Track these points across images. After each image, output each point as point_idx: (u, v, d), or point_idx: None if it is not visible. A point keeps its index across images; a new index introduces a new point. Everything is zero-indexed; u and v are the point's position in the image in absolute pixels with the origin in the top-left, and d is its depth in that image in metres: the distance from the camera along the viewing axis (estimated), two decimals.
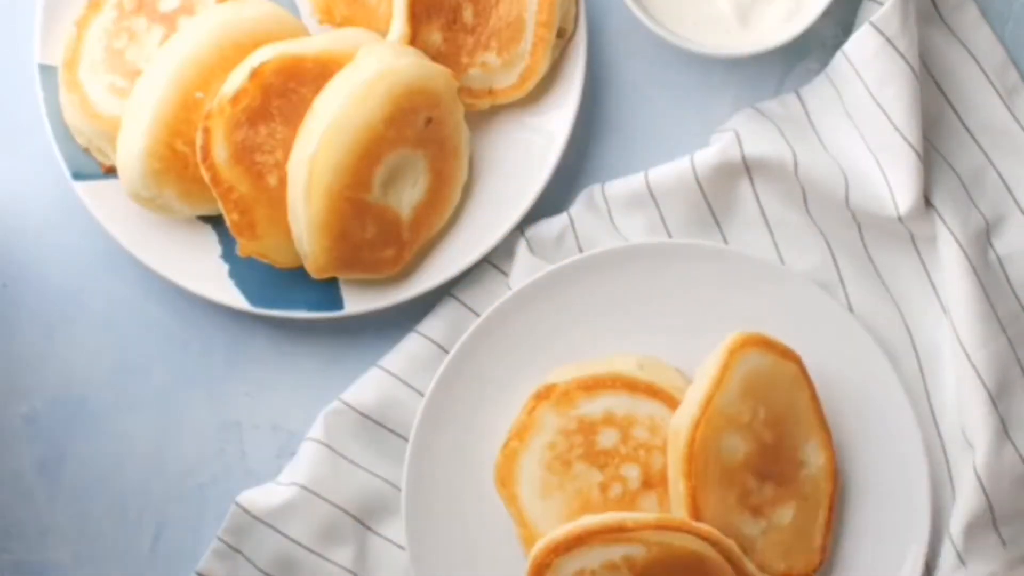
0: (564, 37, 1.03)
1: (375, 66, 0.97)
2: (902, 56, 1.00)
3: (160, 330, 1.05)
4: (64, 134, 1.02)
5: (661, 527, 0.95)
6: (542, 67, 1.02)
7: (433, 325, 1.03)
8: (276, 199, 0.98)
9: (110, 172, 1.02)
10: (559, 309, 1.01)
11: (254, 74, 0.97)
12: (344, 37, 1.00)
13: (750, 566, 0.97)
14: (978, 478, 1.00)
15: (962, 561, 1.00)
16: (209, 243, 1.02)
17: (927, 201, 1.01)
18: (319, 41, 0.99)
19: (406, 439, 1.02)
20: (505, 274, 1.04)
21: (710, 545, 0.95)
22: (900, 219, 1.00)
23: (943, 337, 1.03)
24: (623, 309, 1.02)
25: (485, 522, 1.01)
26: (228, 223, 0.98)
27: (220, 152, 0.97)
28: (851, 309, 1.03)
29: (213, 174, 0.97)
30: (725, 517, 0.97)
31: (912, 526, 1.01)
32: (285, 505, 1.01)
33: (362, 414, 1.02)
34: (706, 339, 1.00)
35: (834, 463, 1.00)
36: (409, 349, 1.03)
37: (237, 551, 1.01)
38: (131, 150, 0.98)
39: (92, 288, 1.05)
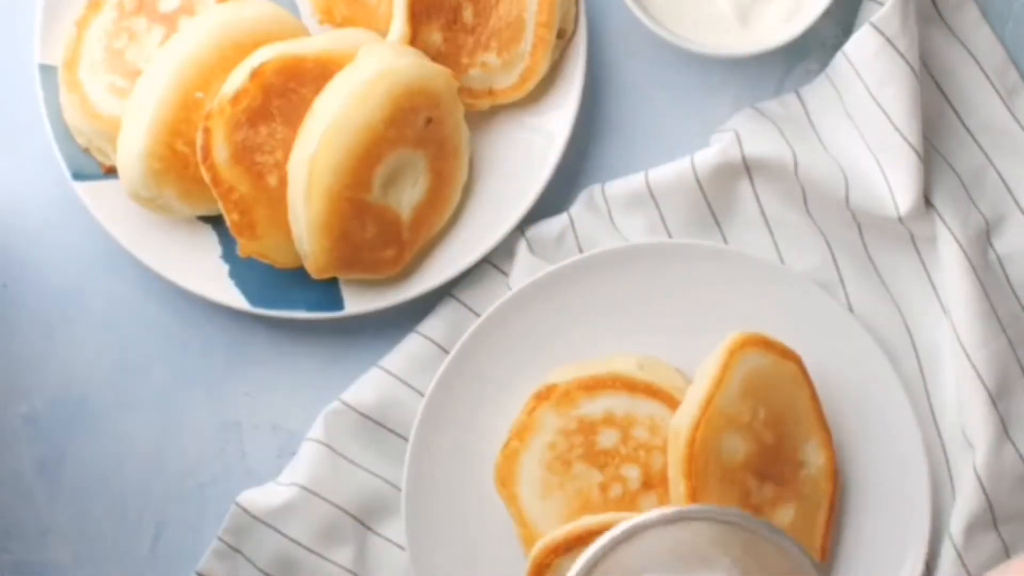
0: (564, 37, 1.03)
1: (375, 66, 0.97)
2: (902, 56, 1.00)
3: (160, 330, 1.05)
4: (64, 134, 1.02)
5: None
6: (542, 67, 1.02)
7: (433, 325, 1.03)
8: (276, 199, 0.98)
9: (110, 172, 1.02)
10: (559, 309, 1.01)
11: (254, 74, 0.97)
12: (344, 37, 1.00)
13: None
14: (978, 478, 1.00)
15: (962, 561, 1.00)
16: (209, 243, 1.02)
17: (927, 201, 1.01)
18: (319, 41, 0.99)
19: (406, 439, 1.02)
20: (505, 274, 1.04)
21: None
22: (900, 219, 1.00)
23: (943, 337, 1.03)
24: (623, 309, 1.02)
25: (485, 522, 1.01)
26: (228, 223, 0.98)
27: (220, 152, 0.97)
28: (851, 309, 1.03)
29: (213, 174, 0.97)
30: None
31: (912, 526, 1.01)
32: (285, 505, 1.01)
33: (362, 414, 1.02)
34: (706, 339, 1.00)
35: (834, 463, 1.00)
36: (409, 349, 1.03)
37: (237, 551, 1.01)
38: (131, 150, 0.98)
39: (92, 288, 1.05)
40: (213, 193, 0.98)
